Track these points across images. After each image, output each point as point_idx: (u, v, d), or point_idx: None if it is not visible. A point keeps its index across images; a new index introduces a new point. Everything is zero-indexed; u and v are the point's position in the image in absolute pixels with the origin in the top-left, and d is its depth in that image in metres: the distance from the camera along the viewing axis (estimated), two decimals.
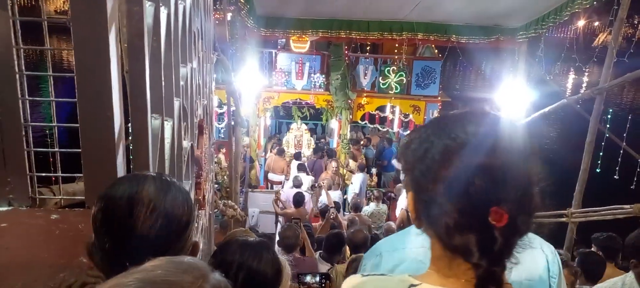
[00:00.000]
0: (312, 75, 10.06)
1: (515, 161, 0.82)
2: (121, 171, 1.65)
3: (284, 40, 10.74)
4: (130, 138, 1.71)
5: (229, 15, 8.01)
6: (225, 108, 7.85)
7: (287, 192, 8.22)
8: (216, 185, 8.45)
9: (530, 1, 6.71)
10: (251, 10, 6.79)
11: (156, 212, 1.08)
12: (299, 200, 7.41)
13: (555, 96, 6.68)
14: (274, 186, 9.86)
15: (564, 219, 5.49)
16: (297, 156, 10.18)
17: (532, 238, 1.34)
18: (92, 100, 1.53)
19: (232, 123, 7.70)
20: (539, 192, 0.86)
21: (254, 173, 9.99)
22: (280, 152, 10.24)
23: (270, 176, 10.13)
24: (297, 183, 8.27)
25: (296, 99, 10.38)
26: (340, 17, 7.87)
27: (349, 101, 9.92)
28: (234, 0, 6.19)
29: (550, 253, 1.30)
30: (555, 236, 5.30)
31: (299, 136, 11.22)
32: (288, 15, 7.78)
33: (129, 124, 1.68)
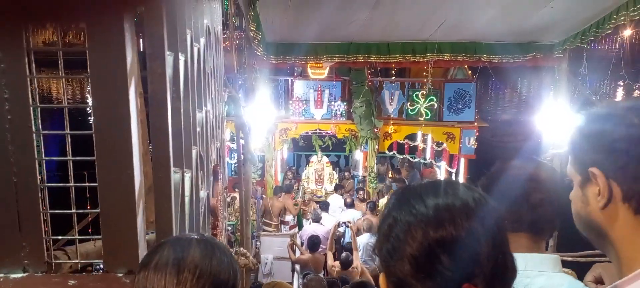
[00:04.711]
0: (333, 103, 10.27)
1: (483, 230, 0.86)
2: (141, 231, 1.74)
3: (300, 67, 10.93)
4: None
5: (235, 42, 8.25)
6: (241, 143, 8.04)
7: (305, 232, 8.21)
8: (229, 228, 8.50)
9: (569, 13, 6.79)
10: (262, 38, 6.99)
11: (203, 278, 1.14)
12: (315, 243, 7.40)
13: None
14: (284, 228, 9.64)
15: None
16: (324, 206, 9.38)
17: None
18: (112, 158, 1.64)
19: (242, 157, 7.82)
20: (511, 257, 0.90)
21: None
22: (276, 191, 9.83)
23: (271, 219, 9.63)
24: (316, 218, 8.28)
25: (316, 130, 10.52)
26: (357, 41, 8.04)
27: (375, 130, 10.04)
28: (244, 27, 6.39)
29: None
30: None
31: (319, 170, 11.27)
32: (300, 41, 7.97)
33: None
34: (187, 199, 2.01)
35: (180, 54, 1.91)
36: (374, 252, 1.02)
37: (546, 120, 8.33)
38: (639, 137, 0.91)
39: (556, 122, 8.04)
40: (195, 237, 1.22)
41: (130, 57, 1.59)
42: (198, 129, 2.34)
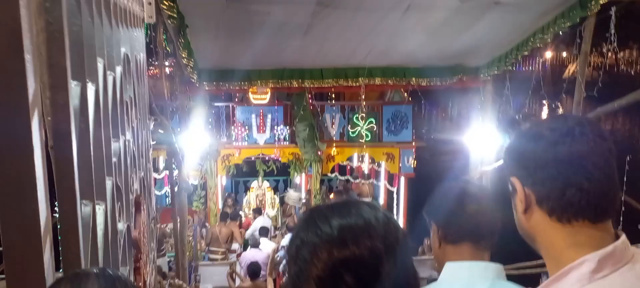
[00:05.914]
0: (276, 127, 10.29)
1: (385, 248, 0.87)
2: (49, 269, 1.68)
3: (241, 93, 10.89)
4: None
5: (167, 70, 8.13)
6: (174, 171, 7.82)
7: (244, 258, 8.04)
8: (170, 259, 8.27)
9: (491, 37, 7.16)
10: (195, 65, 6.94)
11: None
12: (255, 271, 7.29)
13: None
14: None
15: None
16: (263, 231, 9.02)
17: None
18: (13, 193, 1.58)
19: (176, 188, 7.66)
20: (415, 274, 0.93)
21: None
22: (223, 217, 9.82)
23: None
24: (254, 242, 8.15)
25: (259, 154, 10.52)
26: (290, 67, 8.13)
27: (319, 152, 10.14)
28: (176, 55, 6.33)
29: None
30: None
31: (260, 195, 11.23)
32: (234, 67, 7.97)
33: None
34: (100, 233, 1.96)
35: (90, 83, 1.88)
36: (285, 274, 1.02)
37: (475, 139, 8.69)
38: (540, 147, 0.99)
39: (484, 141, 8.41)
40: (95, 270, 1.20)
41: (32, 88, 1.55)
42: (114, 160, 2.29)
